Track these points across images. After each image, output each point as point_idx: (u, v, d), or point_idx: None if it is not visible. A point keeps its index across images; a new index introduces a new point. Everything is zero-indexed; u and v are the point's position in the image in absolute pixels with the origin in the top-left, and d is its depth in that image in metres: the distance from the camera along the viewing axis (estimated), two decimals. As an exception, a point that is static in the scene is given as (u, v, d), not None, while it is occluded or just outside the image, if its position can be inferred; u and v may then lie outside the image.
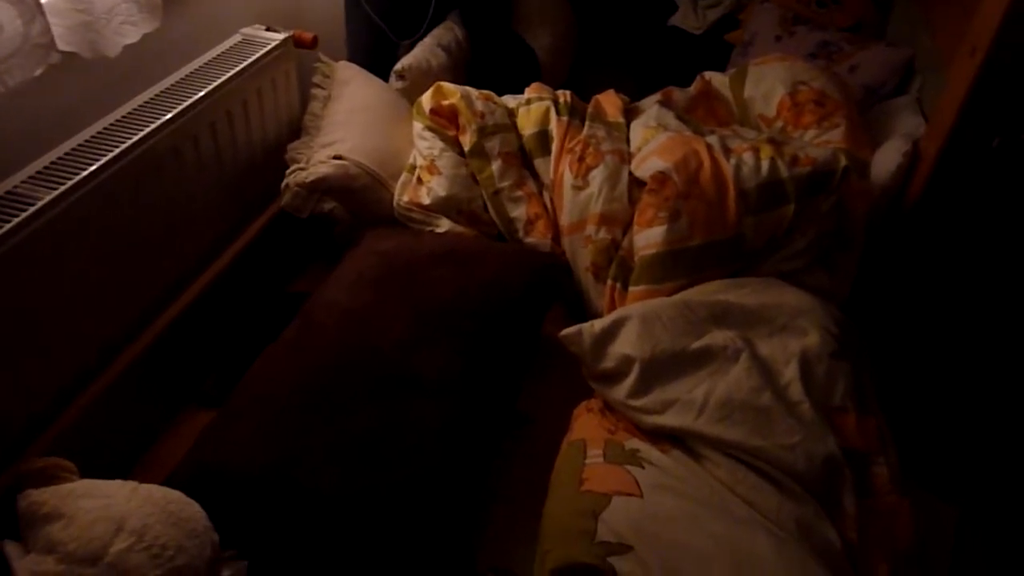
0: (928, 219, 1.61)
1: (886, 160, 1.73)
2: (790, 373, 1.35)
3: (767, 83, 1.90)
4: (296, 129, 1.84)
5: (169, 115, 1.41)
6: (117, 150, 1.31)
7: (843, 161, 1.61)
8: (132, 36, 1.27)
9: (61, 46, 1.16)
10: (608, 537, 1.10)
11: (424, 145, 1.78)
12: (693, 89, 1.98)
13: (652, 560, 1.07)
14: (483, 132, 1.77)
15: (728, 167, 1.61)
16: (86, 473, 1.17)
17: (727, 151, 1.65)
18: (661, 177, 1.59)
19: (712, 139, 1.70)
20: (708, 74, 2.03)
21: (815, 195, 1.59)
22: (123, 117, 1.40)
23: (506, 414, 1.42)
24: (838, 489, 1.24)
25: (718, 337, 1.39)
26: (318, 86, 1.86)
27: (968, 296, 1.58)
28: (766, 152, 1.63)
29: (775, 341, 1.41)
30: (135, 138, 1.34)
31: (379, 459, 1.25)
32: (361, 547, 1.21)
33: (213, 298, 1.61)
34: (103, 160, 1.29)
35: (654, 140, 1.72)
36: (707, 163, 1.62)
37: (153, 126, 1.38)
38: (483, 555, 1.30)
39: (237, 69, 1.57)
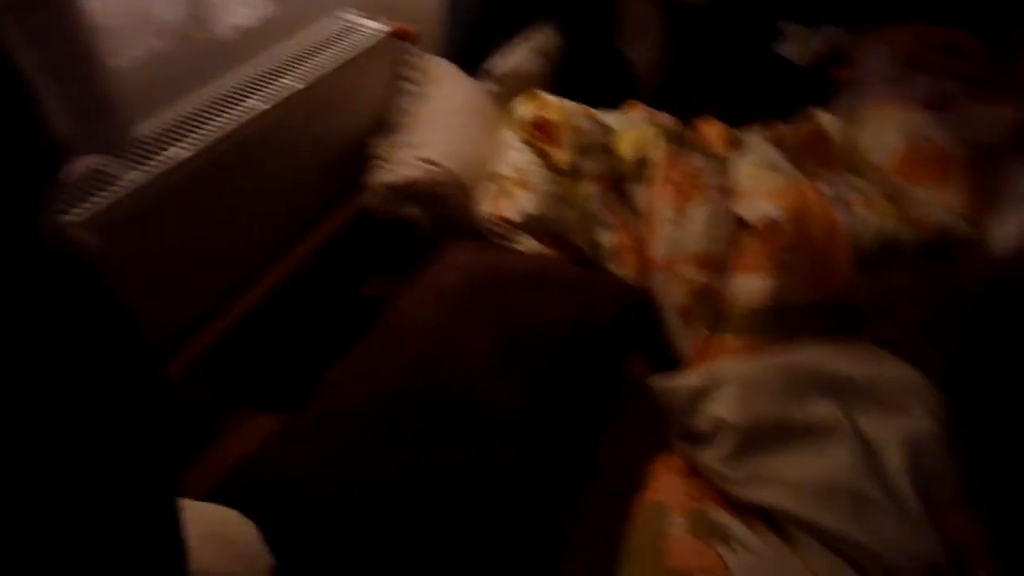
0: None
1: (1006, 229, 1.60)
2: (896, 459, 1.25)
3: (884, 131, 1.78)
4: (380, 122, 1.75)
5: (267, 105, 1.33)
6: (212, 134, 1.24)
7: (968, 229, 1.49)
8: (244, 18, 1.19)
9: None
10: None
11: (516, 156, 1.69)
12: (803, 128, 1.87)
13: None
14: (581, 151, 1.67)
15: (842, 221, 1.50)
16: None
17: (841, 203, 1.54)
18: (771, 224, 1.49)
19: (824, 186, 1.59)
20: (817, 112, 1.92)
21: (933, 262, 1.48)
22: (217, 97, 1.33)
23: (585, 460, 1.33)
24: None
25: (821, 409, 1.29)
26: (411, 82, 1.78)
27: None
28: (884, 209, 1.52)
29: (880, 420, 1.31)
30: (229, 123, 1.27)
31: (450, 497, 1.17)
32: None
33: (284, 295, 1.53)
34: (195, 141, 1.22)
35: (763, 181, 1.61)
36: (820, 214, 1.51)
37: (251, 115, 1.30)
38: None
39: (341, 61, 1.49)
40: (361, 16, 1.65)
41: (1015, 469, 1.42)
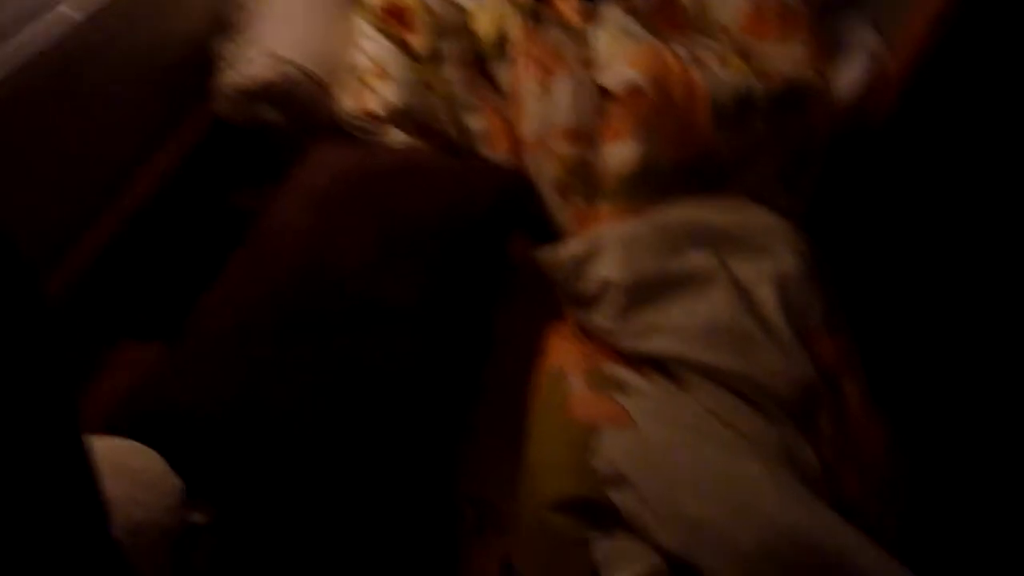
0: (896, 138, 1.61)
1: (848, 78, 1.70)
2: (768, 296, 1.34)
3: (729, -10, 1.82)
4: (221, 22, 1.63)
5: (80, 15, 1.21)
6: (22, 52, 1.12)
7: (814, 78, 1.57)
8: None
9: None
10: (605, 470, 1.08)
11: (371, 46, 1.62)
12: (653, -6, 1.88)
13: (650, 490, 1.06)
14: (438, 34, 1.62)
15: (700, 81, 1.54)
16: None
17: (697, 63, 1.58)
18: (634, 89, 1.51)
19: (680, 49, 1.62)
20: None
21: (786, 113, 1.55)
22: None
23: (482, 342, 1.35)
24: (815, 411, 1.26)
25: (697, 259, 1.36)
26: (246, -26, 1.65)
27: (928, 218, 1.60)
28: (736, 65, 1.57)
29: (751, 263, 1.39)
30: (40, 37, 1.14)
31: (355, 391, 1.17)
32: (338, 480, 1.14)
33: (146, 216, 1.43)
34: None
35: (621, 48, 1.62)
36: (678, 75, 1.55)
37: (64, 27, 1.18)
38: (461, 486, 1.26)
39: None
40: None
41: (872, 298, 1.57)
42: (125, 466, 0.99)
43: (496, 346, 1.41)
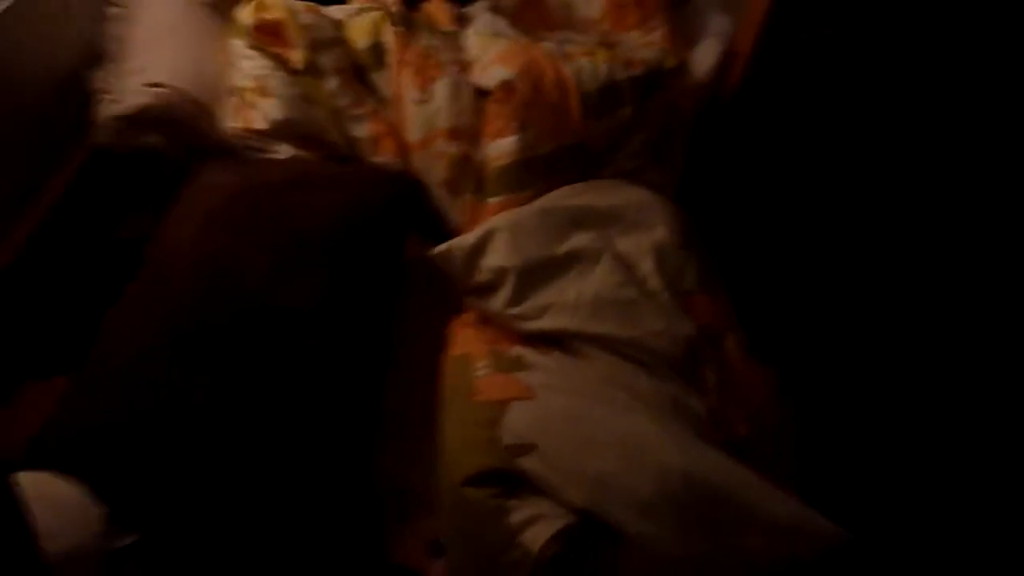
0: (746, 111, 1.76)
1: (703, 59, 1.84)
2: (647, 266, 1.46)
3: (589, -14, 1.93)
4: (95, 54, 1.62)
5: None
6: None
7: (671, 60, 1.70)
8: None
9: None
10: (511, 440, 1.16)
11: (249, 65, 1.65)
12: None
13: (554, 454, 1.15)
14: (314, 47, 1.66)
15: (568, 73, 1.65)
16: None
17: (565, 56, 1.68)
18: (506, 86, 1.60)
19: (548, 45, 1.72)
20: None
21: (650, 95, 1.68)
22: None
23: (384, 338, 1.41)
24: (699, 366, 1.38)
25: (581, 239, 1.46)
26: (113, 4, 1.65)
27: (786, 180, 1.76)
28: (602, 56, 1.68)
29: (629, 238, 1.51)
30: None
31: (266, 398, 1.21)
32: (257, 486, 1.18)
33: (34, 255, 1.42)
34: None
35: (492, 48, 1.70)
36: (548, 70, 1.64)
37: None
38: (381, 481, 1.32)
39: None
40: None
41: (744, 256, 1.71)
42: (47, 498, 1.00)
43: (402, 341, 1.47)
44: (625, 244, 1.49)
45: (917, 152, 1.59)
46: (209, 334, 1.26)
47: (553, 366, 1.31)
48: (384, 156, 1.66)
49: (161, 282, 1.33)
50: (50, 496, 1.03)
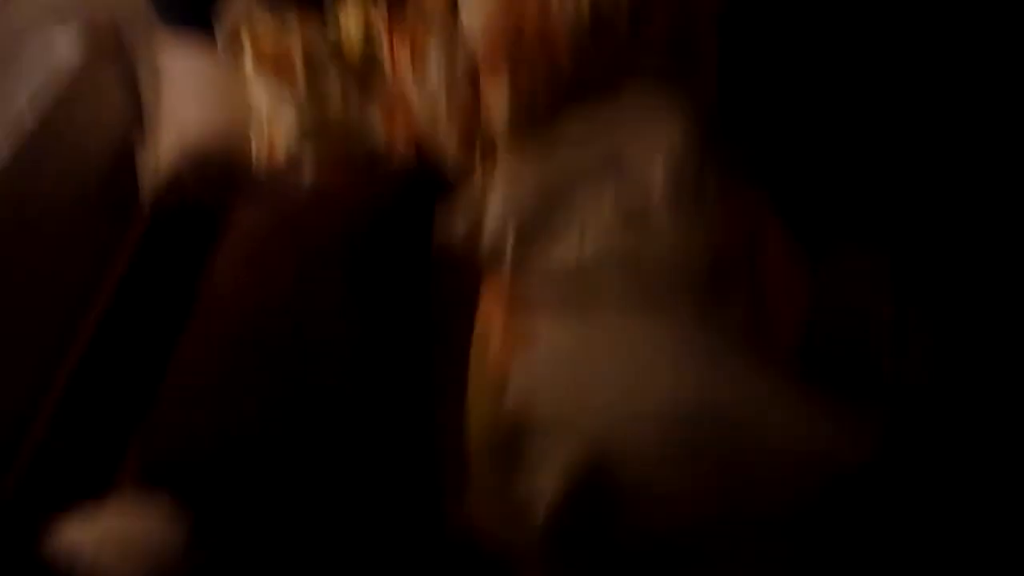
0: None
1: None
2: (657, 174, 1.35)
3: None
4: (135, 125, 1.80)
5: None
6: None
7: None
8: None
9: None
10: (514, 395, 1.15)
11: (261, 98, 1.74)
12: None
13: (558, 402, 1.13)
14: (314, 68, 1.72)
15: (555, 5, 1.55)
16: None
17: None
18: (488, 43, 1.55)
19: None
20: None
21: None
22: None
23: (420, 326, 1.43)
24: (729, 272, 1.26)
25: (582, 159, 1.41)
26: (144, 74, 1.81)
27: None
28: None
29: (638, 147, 1.40)
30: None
31: (312, 405, 1.28)
32: (336, 501, 1.24)
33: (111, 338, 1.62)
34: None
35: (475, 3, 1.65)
36: (532, 6, 1.56)
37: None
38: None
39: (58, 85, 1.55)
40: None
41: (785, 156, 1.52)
42: (117, 538, 1.14)
43: (442, 332, 1.48)
44: (632, 152, 1.38)
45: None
46: (253, 361, 1.36)
47: (560, 321, 1.25)
48: (400, 146, 1.68)
49: (210, 322, 1.46)
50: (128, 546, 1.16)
